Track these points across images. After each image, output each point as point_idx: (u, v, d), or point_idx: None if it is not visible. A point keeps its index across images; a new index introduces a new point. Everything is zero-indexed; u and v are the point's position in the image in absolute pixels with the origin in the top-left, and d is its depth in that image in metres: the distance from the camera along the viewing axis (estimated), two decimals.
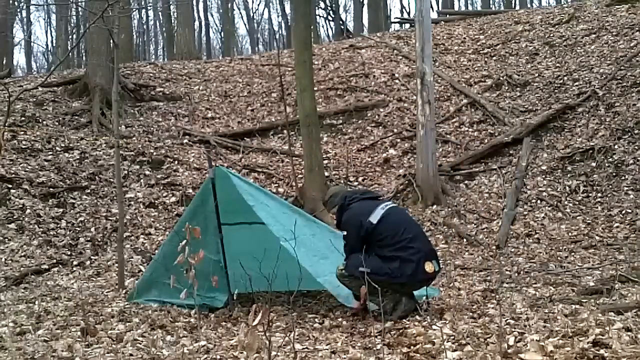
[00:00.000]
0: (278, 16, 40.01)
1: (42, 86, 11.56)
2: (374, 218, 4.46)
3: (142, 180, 9.35)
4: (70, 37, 28.14)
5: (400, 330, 4.04)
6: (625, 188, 8.14)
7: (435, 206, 8.67)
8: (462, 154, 9.90)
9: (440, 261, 4.74)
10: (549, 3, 31.39)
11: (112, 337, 4.08)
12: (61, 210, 8.20)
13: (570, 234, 7.51)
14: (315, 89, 10.51)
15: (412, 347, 3.60)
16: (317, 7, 28.71)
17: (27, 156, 9.19)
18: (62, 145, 9.73)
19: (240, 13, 39.29)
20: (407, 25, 19.90)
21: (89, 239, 7.75)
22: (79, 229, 7.94)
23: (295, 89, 11.24)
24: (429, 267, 4.40)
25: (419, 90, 8.96)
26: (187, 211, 5.57)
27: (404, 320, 4.33)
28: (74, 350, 3.75)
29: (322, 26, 34.38)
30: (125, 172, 9.29)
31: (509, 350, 3.22)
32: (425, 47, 8.96)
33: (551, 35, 13.05)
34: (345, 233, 4.58)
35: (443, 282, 5.80)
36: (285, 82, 11.99)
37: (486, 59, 12.94)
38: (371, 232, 4.44)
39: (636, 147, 8.65)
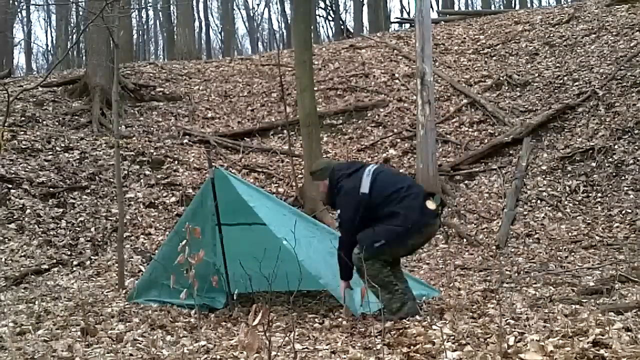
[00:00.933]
0: (278, 16, 39.99)
1: (42, 86, 11.55)
2: (365, 188, 4.51)
3: (142, 180, 9.35)
4: (70, 37, 28.11)
5: (400, 330, 4.03)
6: (625, 188, 8.14)
7: None
8: (462, 154, 9.90)
9: (441, 197, 4.82)
10: (549, 3, 31.38)
11: (112, 337, 4.08)
12: (61, 210, 8.19)
13: (570, 234, 7.51)
14: (315, 89, 10.51)
15: (412, 347, 3.59)
16: (317, 7, 28.70)
17: (27, 156, 9.19)
18: (62, 145, 9.73)
19: (240, 13, 39.34)
20: (407, 25, 19.90)
21: (89, 239, 7.75)
22: (79, 229, 7.94)
23: (295, 89, 11.23)
24: (430, 204, 4.50)
25: (419, 90, 8.96)
26: (187, 211, 5.58)
27: (404, 320, 4.33)
28: (74, 350, 3.75)
29: (322, 26, 34.42)
30: (125, 172, 9.28)
31: (509, 350, 3.22)
32: (425, 47, 8.97)
33: (551, 35, 13.05)
34: (339, 211, 4.60)
35: (443, 282, 5.81)
36: (285, 82, 11.98)
37: (486, 59, 12.94)
38: (368, 200, 4.49)
39: (636, 147, 8.65)
